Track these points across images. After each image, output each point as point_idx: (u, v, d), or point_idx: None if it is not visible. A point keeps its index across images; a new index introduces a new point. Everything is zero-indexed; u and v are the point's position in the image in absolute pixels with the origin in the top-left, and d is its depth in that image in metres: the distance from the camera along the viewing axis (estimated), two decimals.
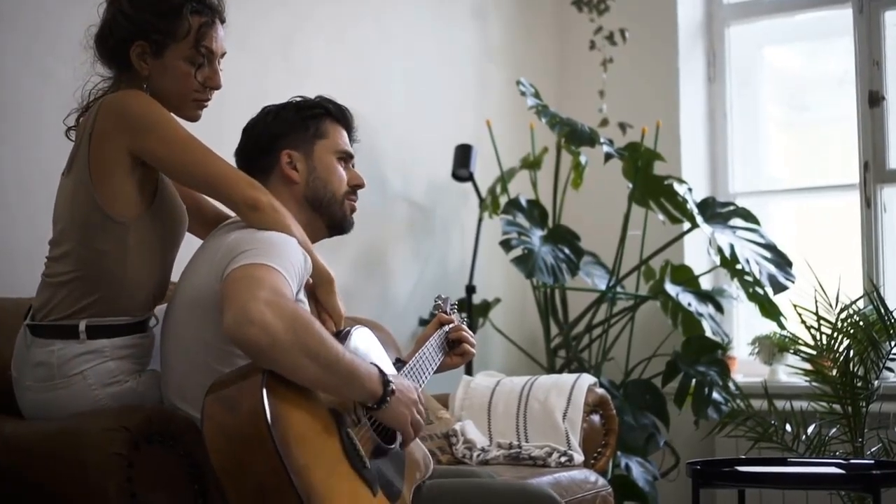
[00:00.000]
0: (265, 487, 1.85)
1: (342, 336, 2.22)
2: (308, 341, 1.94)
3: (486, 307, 4.38)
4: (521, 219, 4.13)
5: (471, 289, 4.18)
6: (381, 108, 4.17)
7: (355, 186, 2.44)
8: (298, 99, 2.44)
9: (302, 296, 2.21)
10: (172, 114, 2.30)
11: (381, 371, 2.07)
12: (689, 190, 4.11)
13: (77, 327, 2.20)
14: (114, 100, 2.24)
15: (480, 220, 4.30)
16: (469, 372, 3.96)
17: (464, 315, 2.71)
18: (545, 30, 4.98)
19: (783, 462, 3.02)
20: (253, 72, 3.56)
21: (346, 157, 2.43)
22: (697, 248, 4.48)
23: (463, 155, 4.19)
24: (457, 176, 4.22)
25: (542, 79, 4.75)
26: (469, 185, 4.30)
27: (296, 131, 2.38)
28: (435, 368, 2.49)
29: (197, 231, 2.45)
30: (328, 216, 2.39)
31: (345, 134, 2.45)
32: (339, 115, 2.44)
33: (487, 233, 4.34)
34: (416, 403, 2.15)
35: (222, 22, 2.35)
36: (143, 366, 2.28)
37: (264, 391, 1.89)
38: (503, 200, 4.28)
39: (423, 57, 4.40)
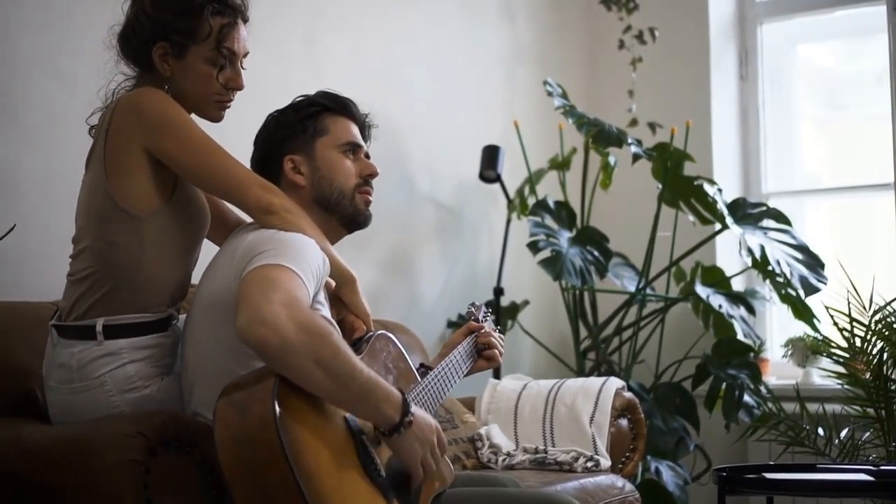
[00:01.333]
0: (273, 493, 1.83)
1: (363, 340, 2.20)
2: (321, 349, 1.89)
3: (514, 309, 4.34)
4: (548, 220, 4.09)
5: (498, 291, 4.15)
6: (407, 109, 4.14)
7: (367, 176, 2.38)
8: (301, 98, 2.40)
9: (321, 297, 2.19)
10: (195, 114, 2.31)
11: (404, 398, 2.01)
12: (720, 191, 4.05)
13: (94, 327, 2.19)
14: (130, 97, 2.24)
15: (509, 221, 4.27)
16: (497, 375, 3.93)
17: (498, 326, 2.68)
18: (574, 29, 4.94)
19: (812, 468, 2.96)
20: (276, 72, 3.54)
21: (352, 149, 2.37)
22: (730, 249, 4.42)
23: (490, 156, 4.16)
24: (484, 177, 4.19)
25: (571, 79, 4.71)
26: (497, 185, 4.26)
27: (295, 134, 2.34)
28: (462, 376, 2.46)
29: (217, 238, 2.43)
30: (340, 213, 2.35)
31: (349, 125, 2.39)
32: (339, 108, 2.39)
33: (516, 234, 4.30)
34: (434, 446, 2.07)
35: (245, 21, 2.33)
36: (163, 368, 2.26)
37: (275, 396, 1.86)
38: (531, 202, 4.25)
39: (450, 57, 4.37)
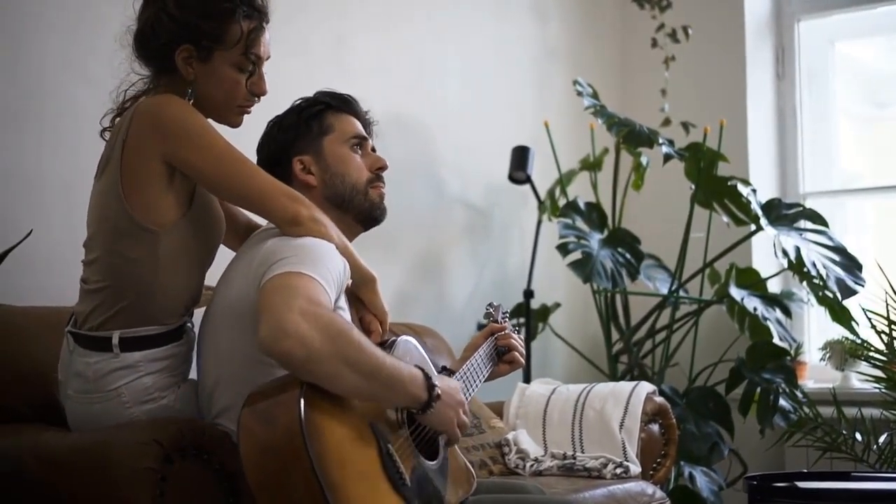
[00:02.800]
0: None
1: (387, 346, 2.18)
2: (346, 349, 1.88)
3: (545, 312, 4.29)
4: (579, 222, 4.04)
5: (529, 293, 4.09)
6: (436, 109, 4.11)
7: (378, 170, 2.35)
8: (299, 102, 2.38)
9: (342, 302, 2.16)
10: (213, 120, 2.25)
11: (425, 375, 2.02)
12: (754, 191, 3.97)
13: (111, 340, 2.16)
14: (150, 105, 2.16)
15: (539, 222, 4.22)
16: (527, 379, 3.88)
17: (516, 324, 2.64)
18: (606, 28, 4.88)
19: (846, 477, 2.90)
20: (305, 75, 3.49)
21: (360, 143, 2.35)
22: (766, 250, 4.34)
23: (520, 157, 4.11)
24: (513, 178, 4.14)
25: (604, 78, 4.66)
26: (528, 185, 4.21)
27: (301, 135, 2.31)
28: (484, 379, 2.44)
29: (229, 241, 2.39)
30: (355, 210, 2.31)
31: (353, 121, 2.36)
32: (341, 104, 2.37)
33: (547, 236, 4.25)
34: (463, 404, 2.11)
35: (267, 23, 2.27)
36: (179, 377, 2.23)
37: (301, 405, 1.84)
38: (562, 203, 4.20)
39: (481, 57, 4.33)
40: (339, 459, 1.86)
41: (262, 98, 2.29)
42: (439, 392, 2.02)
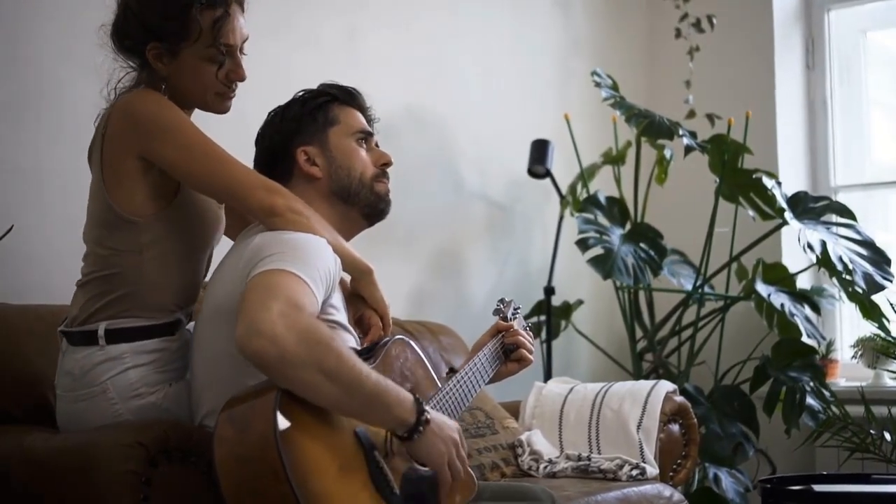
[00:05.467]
0: None
1: (378, 346, 2.11)
2: (323, 357, 1.80)
3: (567, 309, 4.20)
4: (600, 217, 3.95)
5: (549, 290, 4.00)
6: (455, 103, 4.03)
7: (383, 166, 2.30)
8: (302, 93, 2.32)
9: (335, 300, 2.10)
10: (200, 109, 2.23)
11: (416, 398, 1.92)
12: (778, 184, 3.86)
13: (97, 332, 2.13)
14: (125, 102, 2.15)
15: (561, 218, 4.13)
16: (547, 378, 3.80)
17: (536, 323, 2.56)
18: (629, 18, 4.78)
19: (866, 479, 2.80)
20: (317, 69, 3.42)
21: (365, 138, 2.30)
22: (796, 245, 4.21)
23: (539, 151, 4.02)
24: (533, 173, 4.05)
25: (627, 70, 4.57)
26: (549, 180, 4.12)
27: (306, 126, 2.26)
28: (488, 379, 2.36)
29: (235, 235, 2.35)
30: (361, 203, 2.26)
31: (358, 115, 2.31)
32: (347, 97, 2.31)
33: (569, 231, 4.16)
34: (458, 445, 1.98)
35: (239, 4, 2.21)
36: (170, 374, 2.18)
37: (277, 411, 1.77)
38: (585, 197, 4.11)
39: (500, 48, 4.25)
40: (319, 469, 1.79)
41: (243, 83, 2.23)
42: (428, 418, 1.92)
